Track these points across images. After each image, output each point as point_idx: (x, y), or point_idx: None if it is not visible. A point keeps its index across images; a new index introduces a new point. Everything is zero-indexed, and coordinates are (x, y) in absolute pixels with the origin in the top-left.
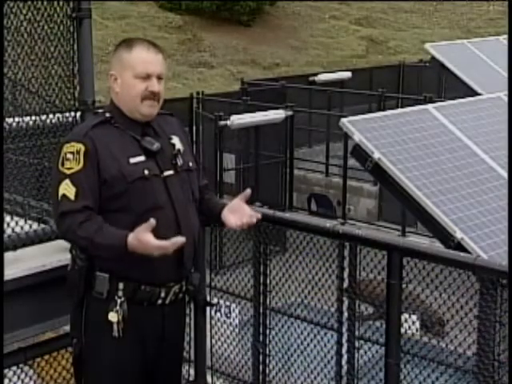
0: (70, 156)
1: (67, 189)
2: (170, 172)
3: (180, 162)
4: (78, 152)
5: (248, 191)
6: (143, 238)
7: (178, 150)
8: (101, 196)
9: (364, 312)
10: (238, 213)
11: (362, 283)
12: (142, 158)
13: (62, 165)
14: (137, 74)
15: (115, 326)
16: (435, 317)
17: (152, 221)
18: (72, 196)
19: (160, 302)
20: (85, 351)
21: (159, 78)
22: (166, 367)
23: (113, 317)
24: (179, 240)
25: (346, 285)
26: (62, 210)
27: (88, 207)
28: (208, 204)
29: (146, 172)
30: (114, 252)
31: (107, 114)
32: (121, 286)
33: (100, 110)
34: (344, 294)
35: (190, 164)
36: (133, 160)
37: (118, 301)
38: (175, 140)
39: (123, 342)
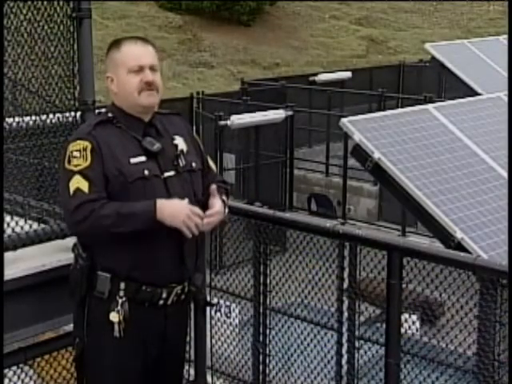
0: (76, 154)
1: (80, 183)
2: (171, 173)
3: (182, 162)
4: (85, 149)
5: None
6: (176, 200)
7: (181, 151)
8: None
9: (371, 314)
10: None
11: (362, 283)
12: (142, 159)
13: (69, 163)
14: (130, 69)
15: (116, 326)
16: (436, 303)
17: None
18: (86, 189)
19: (162, 302)
20: (86, 351)
21: (152, 69)
22: (168, 368)
23: (114, 317)
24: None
25: (348, 285)
26: (78, 202)
27: (103, 197)
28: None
29: (146, 172)
30: (141, 220)
31: (109, 114)
32: (122, 285)
33: (102, 110)
34: (345, 294)
35: (194, 165)
36: (133, 160)
37: (120, 301)
38: (178, 140)
39: (124, 342)
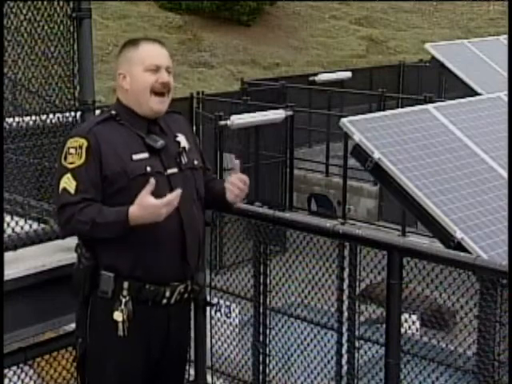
0: (72, 151)
1: (68, 182)
2: (174, 170)
3: (185, 160)
4: (81, 147)
5: (235, 162)
6: (144, 201)
7: (184, 148)
8: (103, 192)
9: (371, 314)
10: (233, 185)
11: (370, 287)
12: (145, 155)
13: (65, 159)
14: (146, 67)
15: (120, 325)
16: (443, 308)
17: (152, 180)
18: (72, 190)
19: (165, 301)
20: (89, 351)
21: (168, 70)
22: (170, 367)
23: (118, 316)
24: (177, 192)
25: (359, 289)
26: (62, 203)
27: (87, 199)
28: (212, 192)
29: (149, 169)
30: (116, 229)
31: (113, 112)
32: (125, 285)
33: (105, 109)
34: (358, 299)
35: (195, 162)
36: (136, 157)
37: (123, 300)
38: (181, 138)
39: (128, 341)
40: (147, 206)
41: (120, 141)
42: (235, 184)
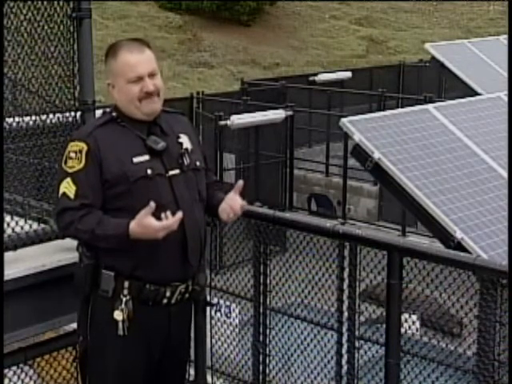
0: (72, 155)
1: (67, 187)
2: (176, 171)
3: (187, 161)
4: (81, 151)
5: (240, 183)
6: (144, 221)
7: (186, 149)
8: (104, 195)
9: (371, 314)
10: (230, 206)
11: (377, 288)
12: (146, 158)
13: (65, 163)
14: (128, 80)
15: (120, 325)
16: (454, 320)
17: (152, 204)
18: (72, 195)
19: (165, 301)
20: (90, 349)
21: (151, 75)
22: (171, 367)
23: (118, 315)
24: (179, 215)
25: (359, 289)
26: (62, 207)
27: (86, 205)
28: (210, 200)
29: (149, 171)
30: (115, 242)
31: (114, 114)
32: (126, 284)
33: (107, 109)
34: (360, 298)
35: (198, 163)
36: (136, 159)
37: (124, 299)
38: (183, 139)
39: (128, 341)
40: (147, 226)
41: (121, 144)
42: (233, 208)
